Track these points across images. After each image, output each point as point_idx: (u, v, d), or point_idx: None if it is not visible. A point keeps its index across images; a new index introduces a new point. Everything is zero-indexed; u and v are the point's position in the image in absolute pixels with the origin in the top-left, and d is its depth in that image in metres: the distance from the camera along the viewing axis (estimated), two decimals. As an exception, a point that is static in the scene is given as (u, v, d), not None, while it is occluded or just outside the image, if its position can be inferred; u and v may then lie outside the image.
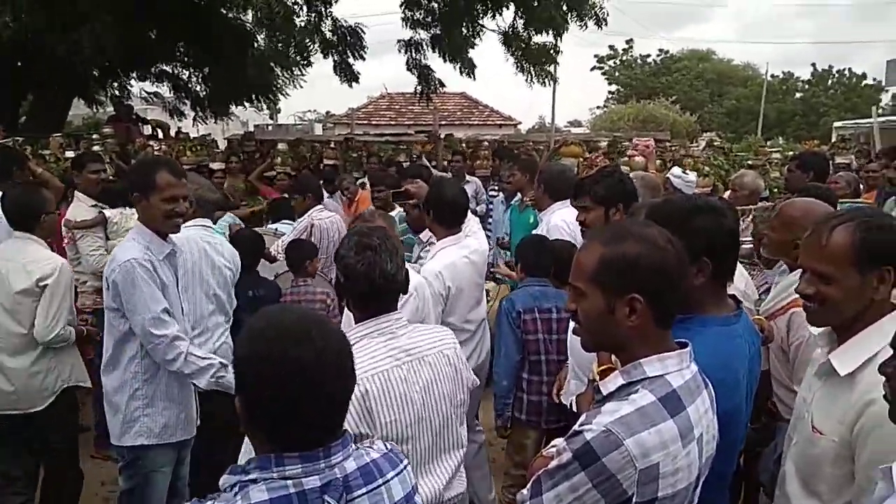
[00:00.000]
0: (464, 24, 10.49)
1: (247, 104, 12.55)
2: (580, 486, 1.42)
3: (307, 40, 10.11)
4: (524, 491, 1.54)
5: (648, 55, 41.18)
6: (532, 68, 11.03)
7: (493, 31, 10.91)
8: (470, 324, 3.63)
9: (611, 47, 39.54)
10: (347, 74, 10.98)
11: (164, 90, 12.74)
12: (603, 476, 1.40)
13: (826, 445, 1.78)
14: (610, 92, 41.06)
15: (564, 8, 9.84)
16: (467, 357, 3.50)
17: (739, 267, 2.49)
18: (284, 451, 1.28)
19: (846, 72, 38.45)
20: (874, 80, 35.33)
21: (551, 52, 10.93)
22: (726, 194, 5.42)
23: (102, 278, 2.93)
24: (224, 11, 10.16)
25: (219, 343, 3.60)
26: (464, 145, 9.41)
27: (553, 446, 1.66)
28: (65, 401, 3.49)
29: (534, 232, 4.21)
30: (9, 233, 3.54)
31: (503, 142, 10.23)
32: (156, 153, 7.24)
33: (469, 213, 3.78)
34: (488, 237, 5.30)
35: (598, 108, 40.85)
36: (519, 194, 5.67)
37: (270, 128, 17.97)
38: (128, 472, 2.95)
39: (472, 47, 10.93)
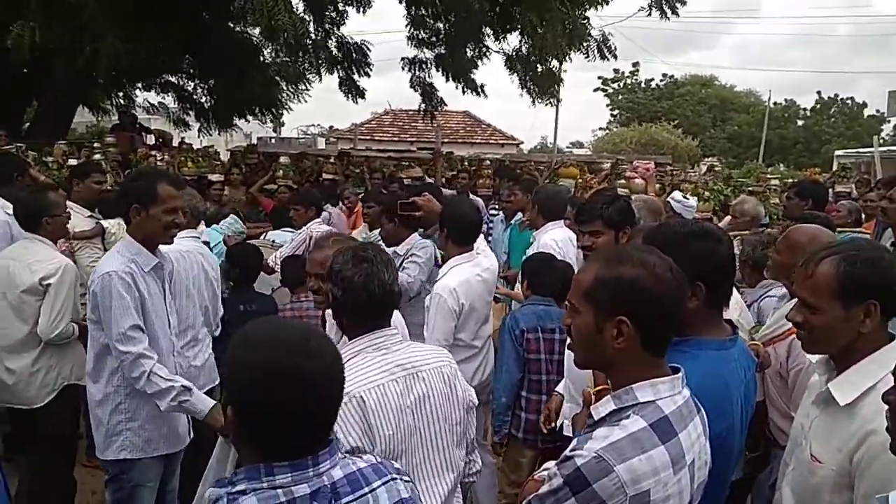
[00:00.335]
0: (469, 45, 10.56)
1: (250, 118, 12.61)
2: None
3: (320, 57, 10.16)
4: (516, 515, 1.53)
5: (652, 79, 41.54)
6: (536, 89, 11.11)
7: (498, 52, 11.00)
8: (478, 340, 3.65)
9: (615, 70, 39.89)
10: (353, 91, 11.05)
11: (169, 101, 12.82)
12: (594, 502, 1.39)
13: (825, 474, 1.77)
14: (612, 114, 41.33)
15: (567, 40, 9.94)
16: (472, 373, 3.54)
17: (736, 295, 2.49)
18: (274, 459, 1.27)
19: (849, 101, 38.72)
20: (877, 111, 35.56)
21: (555, 76, 11.02)
22: (726, 219, 5.43)
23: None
24: (231, 25, 10.24)
25: (208, 354, 3.60)
26: (466, 163, 9.43)
27: (545, 469, 1.64)
28: (65, 398, 3.55)
29: (528, 251, 4.23)
30: (21, 234, 3.72)
31: (504, 161, 10.25)
32: (158, 163, 7.25)
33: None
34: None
35: (600, 129, 41.13)
36: (520, 214, 5.69)
37: (273, 141, 18.03)
38: (113, 485, 2.92)
39: (476, 68, 11.02)
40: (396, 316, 2.39)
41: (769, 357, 2.64)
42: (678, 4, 9.87)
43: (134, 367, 2.71)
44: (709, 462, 1.60)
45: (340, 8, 10.55)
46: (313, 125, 32.95)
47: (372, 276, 2.04)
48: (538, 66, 10.74)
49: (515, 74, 11.03)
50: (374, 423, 1.91)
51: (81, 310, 3.57)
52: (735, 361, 1.84)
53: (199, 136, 12.88)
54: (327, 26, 10.41)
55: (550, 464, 1.58)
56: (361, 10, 10.69)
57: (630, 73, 40.69)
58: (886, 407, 1.47)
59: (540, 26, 9.31)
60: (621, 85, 41.21)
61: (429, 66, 11.05)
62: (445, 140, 16.42)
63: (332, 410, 1.35)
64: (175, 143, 9.45)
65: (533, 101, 11.36)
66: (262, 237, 5.79)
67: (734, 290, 2.29)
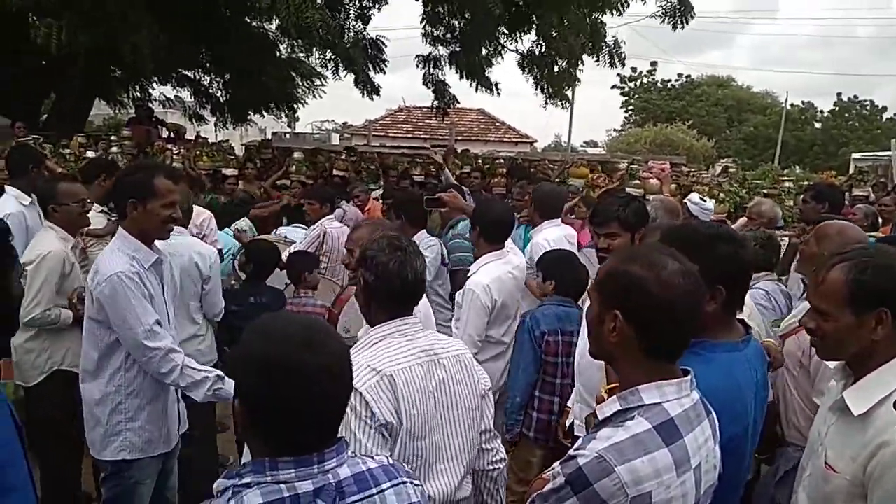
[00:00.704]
0: (484, 43, 10.55)
1: (265, 113, 12.67)
2: None
3: (349, 54, 10.15)
4: (521, 512, 1.54)
5: (669, 80, 41.27)
6: (550, 89, 11.09)
7: (514, 51, 10.98)
8: (507, 336, 3.68)
9: (633, 69, 39.67)
10: (368, 88, 11.07)
11: (185, 95, 12.91)
12: (594, 502, 1.39)
13: (839, 483, 1.76)
14: (625, 116, 41.16)
15: (586, 40, 9.92)
16: (500, 372, 3.60)
17: (748, 300, 2.46)
18: (279, 455, 1.28)
19: (867, 103, 38.31)
20: (895, 114, 35.22)
21: (570, 76, 11.01)
22: (740, 221, 5.38)
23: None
24: (248, 20, 10.27)
25: (191, 350, 3.51)
26: (479, 161, 9.41)
27: (553, 468, 1.65)
28: (55, 382, 3.53)
29: (525, 250, 4.23)
30: (35, 225, 4.03)
31: (518, 159, 10.22)
32: (174, 157, 7.30)
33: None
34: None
35: (615, 130, 40.94)
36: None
37: (288, 136, 18.12)
38: (110, 482, 2.86)
39: (491, 66, 11.01)
40: (424, 302, 2.44)
41: (780, 356, 2.62)
42: (690, 16, 9.74)
43: (164, 362, 2.67)
44: (718, 466, 1.59)
45: (364, 4, 10.59)
46: (328, 121, 33.03)
47: (405, 263, 2.08)
48: (553, 66, 10.74)
49: (530, 74, 11.02)
50: (402, 402, 1.96)
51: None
52: (748, 362, 1.83)
53: (214, 131, 12.97)
54: (353, 23, 10.45)
55: (557, 463, 1.58)
56: (377, 6, 10.72)
57: (648, 72, 40.52)
58: None
59: (559, 28, 9.30)
60: (638, 84, 41.02)
61: (443, 63, 11.06)
62: (459, 137, 16.43)
63: (338, 408, 1.35)
64: (191, 136, 9.50)
65: (546, 102, 11.36)
66: (273, 232, 5.81)
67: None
